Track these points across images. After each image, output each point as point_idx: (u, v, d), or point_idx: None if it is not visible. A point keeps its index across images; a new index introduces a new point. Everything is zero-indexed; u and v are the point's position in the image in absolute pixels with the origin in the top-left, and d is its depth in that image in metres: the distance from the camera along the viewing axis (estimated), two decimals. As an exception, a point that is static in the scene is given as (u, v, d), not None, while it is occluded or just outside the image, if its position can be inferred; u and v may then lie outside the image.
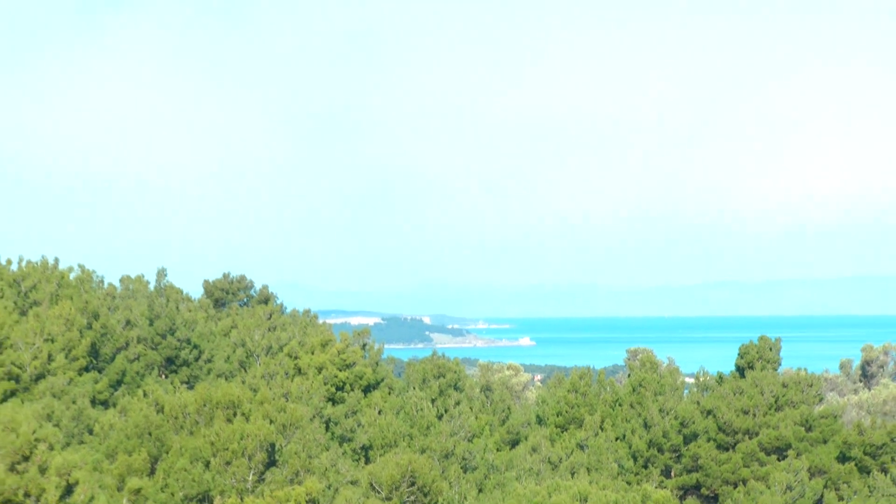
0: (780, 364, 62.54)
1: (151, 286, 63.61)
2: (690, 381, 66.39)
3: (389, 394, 60.35)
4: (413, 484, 44.87)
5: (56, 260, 59.15)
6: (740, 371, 61.98)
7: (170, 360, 58.63)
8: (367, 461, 52.40)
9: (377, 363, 62.45)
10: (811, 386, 58.79)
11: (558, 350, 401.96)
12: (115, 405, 50.45)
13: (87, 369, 52.86)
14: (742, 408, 57.19)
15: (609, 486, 46.21)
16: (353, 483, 46.11)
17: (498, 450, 58.29)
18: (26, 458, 31.34)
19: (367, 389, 59.84)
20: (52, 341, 50.85)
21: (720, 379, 62.00)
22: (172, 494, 39.84)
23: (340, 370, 59.03)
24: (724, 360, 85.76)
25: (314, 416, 52.38)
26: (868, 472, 53.94)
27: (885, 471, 53.35)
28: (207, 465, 40.37)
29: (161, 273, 63.49)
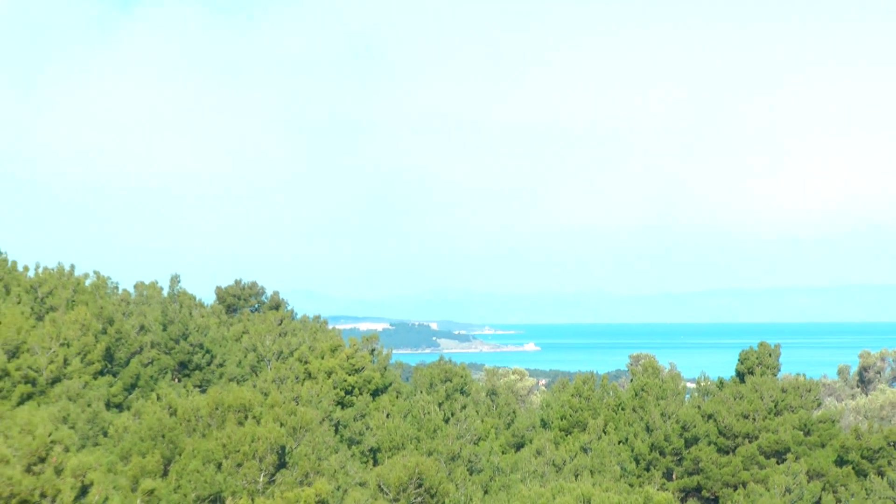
0: (779, 370, 62.58)
1: (165, 292, 63.49)
2: (692, 386, 66.45)
3: (397, 398, 60.53)
4: (420, 486, 44.89)
5: (72, 266, 58.87)
6: (740, 376, 62.12)
7: (183, 365, 58.57)
8: (376, 463, 52.59)
9: (385, 368, 62.60)
10: (810, 391, 58.81)
11: (562, 355, 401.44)
12: (129, 408, 50.23)
13: (101, 373, 52.50)
14: (742, 412, 57.28)
15: (612, 489, 46.29)
16: (362, 485, 46.25)
17: (503, 452, 58.45)
18: (42, 460, 31.13)
19: (375, 393, 60.08)
20: (68, 346, 50.56)
21: (721, 384, 62.00)
22: (185, 495, 39.46)
23: (349, 374, 59.26)
24: (724, 366, 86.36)
25: (324, 420, 52.32)
26: (865, 476, 54.15)
27: (881, 474, 53.50)
28: (219, 466, 40.04)
29: (174, 279, 63.44)
